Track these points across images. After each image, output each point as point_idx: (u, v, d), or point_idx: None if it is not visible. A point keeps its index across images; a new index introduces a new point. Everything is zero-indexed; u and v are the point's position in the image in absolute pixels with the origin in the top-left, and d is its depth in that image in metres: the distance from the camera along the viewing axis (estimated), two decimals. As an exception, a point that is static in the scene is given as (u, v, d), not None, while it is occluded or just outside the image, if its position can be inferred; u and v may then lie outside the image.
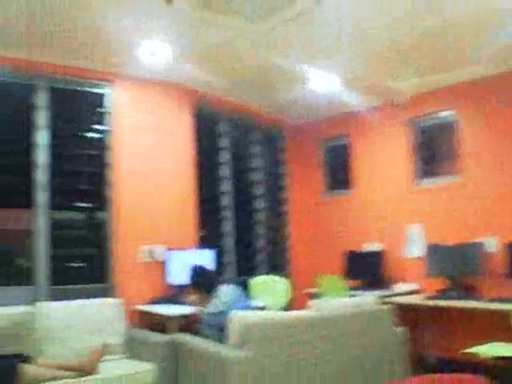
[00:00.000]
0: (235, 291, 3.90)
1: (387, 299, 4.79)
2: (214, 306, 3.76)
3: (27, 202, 4.34)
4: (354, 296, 4.56)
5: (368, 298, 4.14)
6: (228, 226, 5.71)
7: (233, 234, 5.73)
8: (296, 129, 6.82)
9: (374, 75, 5.04)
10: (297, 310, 3.83)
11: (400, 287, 5.44)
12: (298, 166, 6.80)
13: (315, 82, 5.04)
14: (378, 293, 4.96)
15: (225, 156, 5.80)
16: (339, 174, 6.62)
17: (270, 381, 3.25)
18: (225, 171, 5.77)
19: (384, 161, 5.99)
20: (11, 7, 3.56)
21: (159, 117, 5.09)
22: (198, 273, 4.01)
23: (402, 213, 5.73)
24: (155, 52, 4.25)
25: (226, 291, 3.84)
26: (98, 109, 4.81)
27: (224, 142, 5.82)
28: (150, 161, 4.95)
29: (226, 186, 5.76)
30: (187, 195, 5.15)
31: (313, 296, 5.21)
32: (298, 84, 5.18)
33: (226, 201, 5.74)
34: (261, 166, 6.32)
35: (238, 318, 3.35)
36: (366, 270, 5.76)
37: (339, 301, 4.10)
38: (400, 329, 3.95)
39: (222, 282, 4.05)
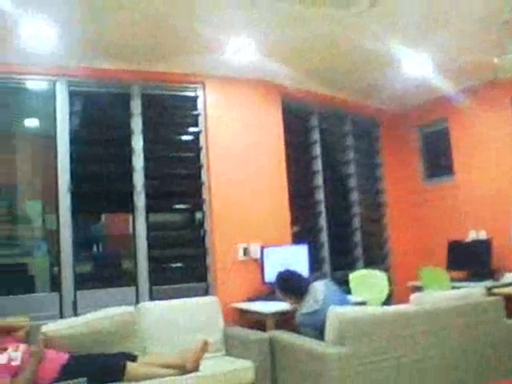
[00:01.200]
0: (329, 287, 3.82)
1: (495, 290, 4.51)
2: (308, 305, 3.70)
3: (128, 207, 4.52)
4: (457, 288, 4.33)
5: (474, 290, 3.91)
6: (322, 221, 5.62)
7: (327, 228, 5.64)
8: (391, 116, 6.60)
9: (473, 52, 4.74)
10: (398, 304, 3.69)
11: (509, 277, 5.10)
12: (394, 155, 6.58)
13: (409, 65, 4.83)
14: (484, 284, 4.68)
15: (316, 149, 5.72)
16: (438, 160, 6.34)
17: (370, 377, 3.17)
18: (317, 165, 5.69)
19: (487, 144, 5.64)
20: (109, 19, 3.71)
21: (249, 114, 5.10)
22: (286, 279, 3.95)
23: (508, 199, 5.36)
24: (242, 50, 4.26)
25: (320, 288, 3.76)
26: (190, 111, 4.91)
27: (315, 136, 5.74)
28: (242, 159, 4.98)
29: (319, 180, 5.68)
30: (280, 191, 5.13)
31: (415, 289, 5.02)
32: (391, 69, 4.99)
33: (320, 195, 5.66)
34: (354, 157, 6.17)
35: (336, 314, 3.29)
36: (471, 260, 5.45)
37: (442, 293, 3.92)
38: (510, 322, 3.70)
39: (316, 279, 3.98)
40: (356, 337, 3.20)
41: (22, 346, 3.44)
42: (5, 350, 3.38)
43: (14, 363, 3.31)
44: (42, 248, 4.42)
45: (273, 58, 4.58)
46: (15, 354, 3.37)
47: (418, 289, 5.07)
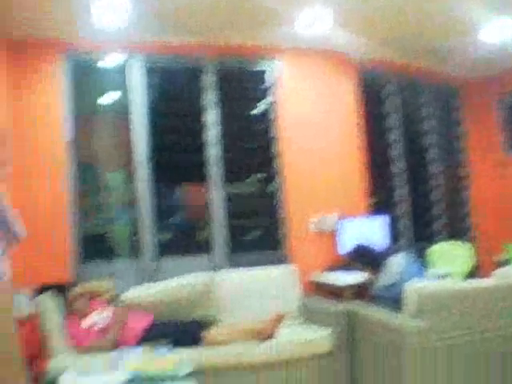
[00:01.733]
0: (407, 260, 3.72)
1: None
2: (385, 278, 3.63)
3: (204, 178, 4.59)
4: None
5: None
6: (401, 192, 5.48)
7: (407, 199, 5.49)
8: (471, 85, 6.29)
9: None
10: (482, 278, 3.56)
11: None
12: (475, 126, 6.28)
13: (488, 31, 4.57)
14: None
15: (394, 120, 5.55)
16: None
17: (449, 352, 3.08)
18: (395, 135, 5.53)
19: None
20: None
21: (322, 85, 5.02)
22: (361, 253, 3.90)
23: None
24: (315, 21, 4.18)
25: (398, 261, 3.67)
26: (262, 84, 4.89)
27: (392, 105, 5.57)
28: (316, 130, 4.92)
29: (398, 151, 5.52)
30: (356, 162, 5.03)
31: (501, 264, 4.82)
32: (469, 35, 4.74)
33: (399, 166, 5.51)
34: (434, 127, 5.94)
35: (415, 287, 3.20)
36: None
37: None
38: None
39: (395, 251, 3.90)
40: (435, 311, 3.10)
41: (108, 309, 3.60)
42: (92, 312, 3.56)
43: (100, 324, 3.47)
44: (123, 217, 4.57)
45: (346, 29, 4.46)
46: (101, 315, 3.54)
47: (503, 263, 4.86)
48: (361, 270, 3.90)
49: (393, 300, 3.46)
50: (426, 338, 3.06)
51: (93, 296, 3.73)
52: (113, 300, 3.75)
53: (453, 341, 3.09)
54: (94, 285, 3.83)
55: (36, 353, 3.18)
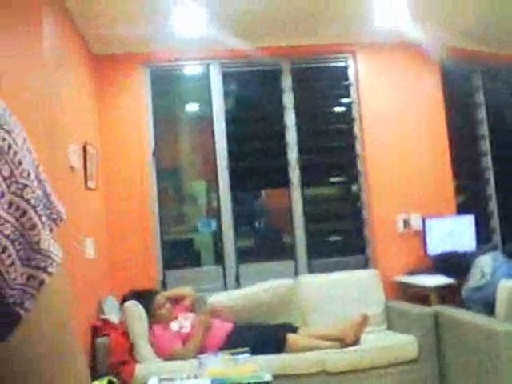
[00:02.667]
0: (498, 260, 3.52)
1: None
2: (475, 280, 3.45)
3: (284, 182, 4.59)
4: None
5: None
6: (491, 189, 5.20)
7: (495, 197, 5.20)
8: None
9: None
10: None
11: None
12: None
13: None
14: None
15: (481, 113, 5.29)
16: None
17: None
18: (483, 129, 5.26)
19: None
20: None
21: (403, 80, 4.86)
22: (446, 260, 3.75)
23: None
24: (392, 14, 4.06)
25: (487, 262, 3.49)
26: (342, 82, 4.81)
27: (479, 97, 5.30)
28: (398, 127, 4.77)
29: (486, 145, 5.25)
30: (441, 159, 4.83)
31: None
32: None
33: (486, 162, 5.23)
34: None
35: (507, 288, 3.04)
36: None
37: None
38: None
39: (484, 252, 3.70)
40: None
41: (191, 315, 3.68)
42: (176, 318, 3.64)
43: (184, 330, 3.55)
44: (206, 224, 4.66)
45: (424, 21, 4.30)
46: (185, 322, 3.62)
47: None
48: (448, 275, 3.75)
49: (484, 302, 3.30)
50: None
51: (176, 301, 3.82)
52: (194, 305, 3.83)
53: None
54: (175, 291, 3.93)
55: (125, 358, 3.29)
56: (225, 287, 4.28)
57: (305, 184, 4.59)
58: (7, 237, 0.44)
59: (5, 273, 0.44)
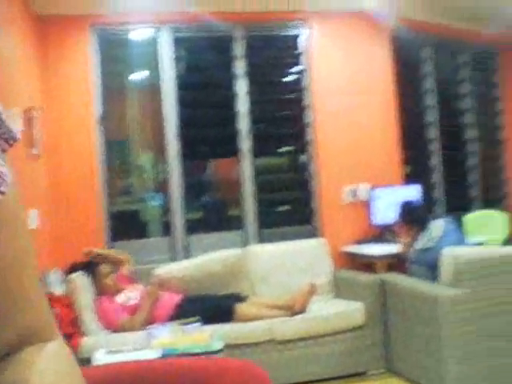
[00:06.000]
0: (447, 225, 3.60)
1: None
2: (423, 241, 3.54)
3: (234, 151, 4.53)
4: None
5: None
6: (436, 160, 5.32)
7: (441, 168, 5.33)
8: (510, 46, 6.02)
9: None
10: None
11: None
12: (514, 88, 6.03)
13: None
14: None
15: (429, 83, 5.36)
16: None
17: (485, 321, 3.01)
18: (429, 100, 5.34)
19: None
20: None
21: (354, 50, 4.85)
22: (408, 209, 3.80)
23: None
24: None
25: (438, 226, 3.57)
26: (294, 50, 4.76)
27: (427, 68, 5.37)
28: (347, 97, 4.77)
29: (432, 116, 5.34)
30: (389, 130, 4.89)
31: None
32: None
33: (433, 133, 5.34)
34: (471, 90, 5.72)
35: (451, 253, 3.12)
36: None
37: None
38: None
39: (433, 218, 3.79)
40: (472, 279, 3.03)
41: (138, 287, 3.62)
42: (122, 290, 3.58)
43: (131, 302, 3.49)
44: (154, 195, 4.57)
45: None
46: (132, 294, 3.56)
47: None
48: (404, 228, 3.79)
49: (428, 265, 3.39)
50: (463, 306, 2.99)
51: (115, 264, 3.72)
52: (133, 275, 3.76)
53: (490, 310, 3.03)
54: (110, 252, 3.85)
55: (70, 330, 3.22)
56: (173, 259, 4.22)
57: (255, 153, 4.55)
58: None
59: None
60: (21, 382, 0.50)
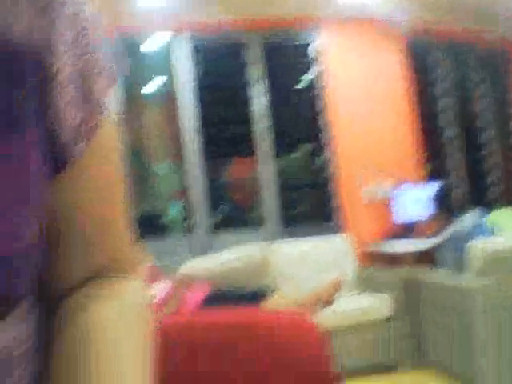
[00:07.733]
0: (477, 218, 3.58)
1: None
2: (452, 232, 3.51)
3: (253, 151, 4.58)
4: None
5: None
6: (454, 160, 5.31)
7: (461, 167, 5.32)
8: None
9: None
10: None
11: None
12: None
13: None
14: None
15: (444, 86, 5.37)
16: None
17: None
18: (444, 103, 5.36)
19: None
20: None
21: (368, 54, 4.91)
22: (441, 197, 3.79)
23: None
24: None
25: (467, 217, 3.55)
26: (307, 57, 4.83)
27: (442, 71, 5.39)
28: (364, 100, 4.82)
29: (449, 118, 5.35)
30: (407, 131, 4.92)
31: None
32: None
33: (451, 133, 5.33)
34: (484, 93, 5.72)
35: (481, 245, 3.08)
36: None
37: None
38: None
39: (468, 210, 3.78)
40: (501, 269, 2.99)
41: (164, 282, 3.61)
42: (149, 285, 3.56)
43: (156, 299, 3.47)
44: (175, 196, 4.59)
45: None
46: (157, 289, 3.54)
47: None
48: (437, 219, 3.77)
49: (456, 256, 3.35)
50: (492, 297, 2.95)
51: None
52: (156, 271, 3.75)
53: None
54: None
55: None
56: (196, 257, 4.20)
57: (274, 154, 4.59)
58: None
59: (61, 111, 0.44)
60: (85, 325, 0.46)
